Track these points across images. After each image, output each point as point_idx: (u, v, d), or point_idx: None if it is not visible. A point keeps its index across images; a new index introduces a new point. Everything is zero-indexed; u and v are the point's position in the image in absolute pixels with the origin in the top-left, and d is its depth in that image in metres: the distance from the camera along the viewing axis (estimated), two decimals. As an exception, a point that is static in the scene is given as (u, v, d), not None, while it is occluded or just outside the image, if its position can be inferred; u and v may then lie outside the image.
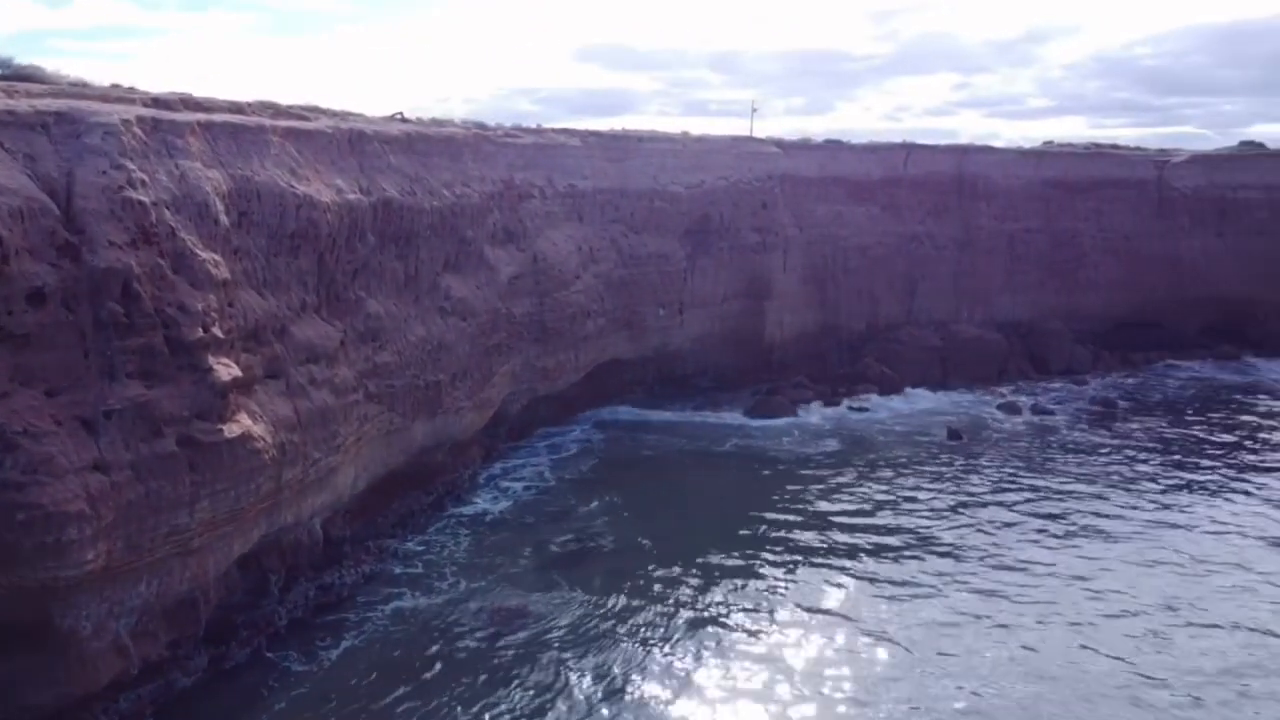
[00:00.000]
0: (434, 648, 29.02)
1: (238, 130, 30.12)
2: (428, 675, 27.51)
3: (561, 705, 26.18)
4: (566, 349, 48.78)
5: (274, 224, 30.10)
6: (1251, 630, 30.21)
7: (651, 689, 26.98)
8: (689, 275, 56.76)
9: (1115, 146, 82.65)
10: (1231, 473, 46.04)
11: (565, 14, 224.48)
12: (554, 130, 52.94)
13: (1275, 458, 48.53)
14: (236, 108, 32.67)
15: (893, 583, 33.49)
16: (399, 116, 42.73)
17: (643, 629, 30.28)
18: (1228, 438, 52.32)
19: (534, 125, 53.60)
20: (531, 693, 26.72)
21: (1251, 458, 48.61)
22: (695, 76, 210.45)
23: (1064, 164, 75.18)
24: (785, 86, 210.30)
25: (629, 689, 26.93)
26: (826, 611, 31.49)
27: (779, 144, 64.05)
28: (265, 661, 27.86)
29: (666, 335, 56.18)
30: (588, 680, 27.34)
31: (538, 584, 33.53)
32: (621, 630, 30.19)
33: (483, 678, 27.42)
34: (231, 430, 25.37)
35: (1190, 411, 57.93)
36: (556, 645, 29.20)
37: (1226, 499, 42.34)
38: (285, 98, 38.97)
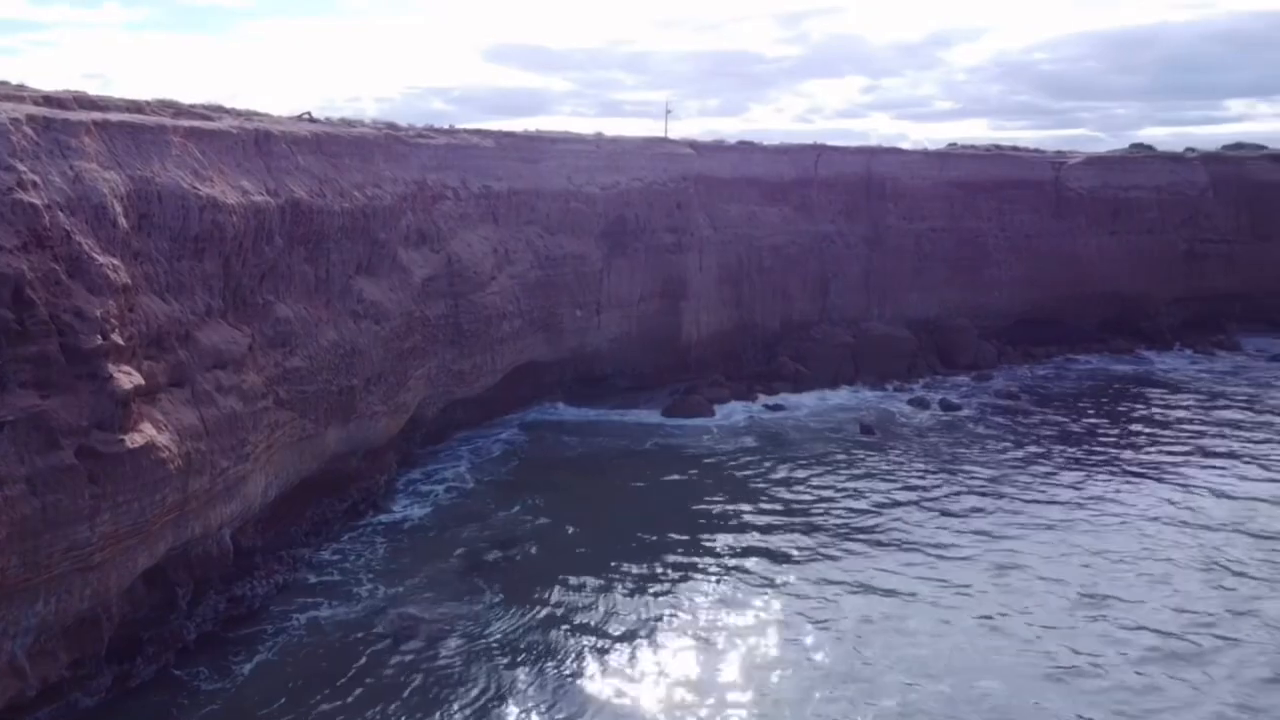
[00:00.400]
0: (353, 660, 28.45)
1: (136, 130, 29.04)
2: (347, 688, 26.95)
3: (492, 716, 25.93)
4: (483, 351, 48.34)
5: (176, 227, 29.10)
6: (1167, 613, 31.53)
7: (583, 695, 26.87)
8: (605, 276, 56.81)
9: (1015, 148, 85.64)
10: (1133, 461, 48.09)
11: (478, 13, 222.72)
12: (467, 131, 52.43)
13: (1172, 447, 50.79)
14: (135, 107, 31.50)
15: (816, 581, 33.97)
16: (307, 116, 41.79)
17: (572, 634, 30.14)
18: (1127, 428, 54.62)
19: (447, 125, 52.98)
20: (459, 704, 26.40)
21: (1151, 446, 50.85)
22: (609, 77, 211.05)
23: (967, 165, 77.56)
24: (699, 88, 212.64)
25: (561, 696, 26.75)
26: (754, 609, 31.76)
27: (692, 145, 64.58)
28: (173, 679, 26.95)
29: (584, 336, 56.12)
30: (518, 689, 27.11)
31: (461, 590, 33.14)
32: (551, 636, 30.01)
33: (407, 690, 26.97)
34: (134, 440, 24.44)
35: (1090, 404, 60.36)
36: (483, 653, 28.90)
37: (1130, 486, 44.09)
38: (186, 96, 37.78)
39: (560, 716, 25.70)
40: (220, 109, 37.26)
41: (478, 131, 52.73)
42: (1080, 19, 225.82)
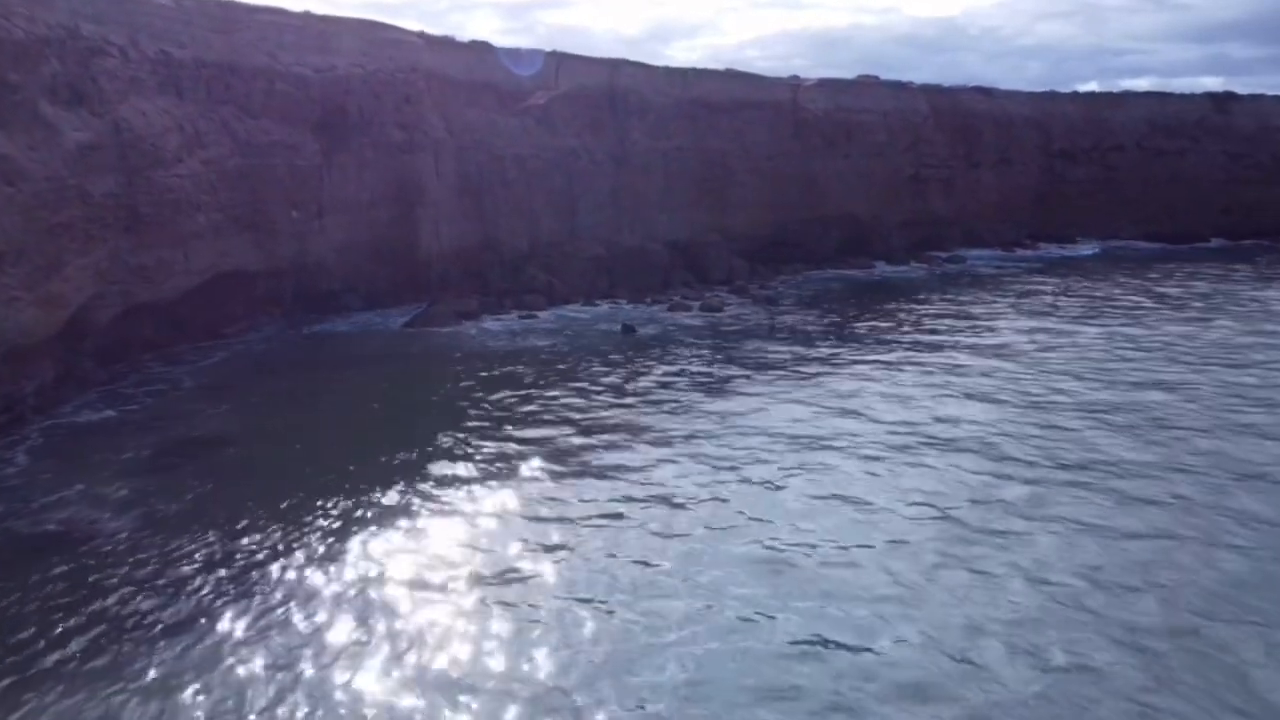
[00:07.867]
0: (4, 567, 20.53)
1: None
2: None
3: (169, 596, 19.06)
4: (171, 245, 39.64)
5: None
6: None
7: (276, 585, 20.39)
8: (326, 173, 49.19)
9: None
10: (886, 338, 47.30)
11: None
12: (137, -13, 43.04)
13: (915, 336, 50.70)
14: None
15: (560, 463, 28.47)
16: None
17: (273, 521, 23.40)
18: (877, 316, 54.13)
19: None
20: (140, 603, 19.28)
21: (898, 335, 50.47)
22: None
23: (707, 84, 75.79)
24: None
25: (248, 588, 20.18)
26: (486, 494, 25.77)
27: (422, 35, 57.86)
28: None
29: (304, 242, 48.26)
30: (207, 591, 20.27)
31: (148, 484, 25.63)
32: (255, 527, 23.15)
33: (75, 587, 19.50)
34: None
35: (843, 302, 60.11)
36: (177, 548, 21.66)
37: (885, 351, 42.95)
38: None
39: (243, 607, 19.12)
40: None
41: (151, -10, 43.45)
42: (785, 19, 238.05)
